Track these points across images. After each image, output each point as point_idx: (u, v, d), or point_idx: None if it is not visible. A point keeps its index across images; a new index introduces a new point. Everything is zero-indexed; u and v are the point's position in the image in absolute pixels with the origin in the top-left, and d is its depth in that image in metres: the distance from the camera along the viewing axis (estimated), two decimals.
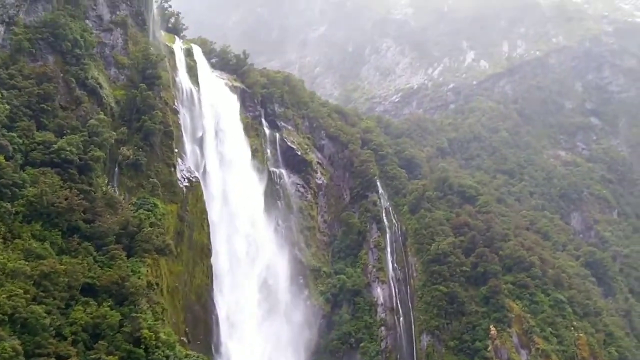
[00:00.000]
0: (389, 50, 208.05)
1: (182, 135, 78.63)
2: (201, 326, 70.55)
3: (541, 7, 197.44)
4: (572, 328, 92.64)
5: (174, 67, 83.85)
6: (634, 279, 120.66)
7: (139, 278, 54.54)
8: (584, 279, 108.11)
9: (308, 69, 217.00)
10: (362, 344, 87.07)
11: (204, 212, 75.69)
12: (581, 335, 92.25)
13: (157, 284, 60.82)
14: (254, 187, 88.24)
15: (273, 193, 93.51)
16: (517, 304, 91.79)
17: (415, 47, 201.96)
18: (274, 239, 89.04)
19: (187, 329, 67.10)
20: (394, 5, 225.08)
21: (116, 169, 67.17)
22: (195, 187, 75.60)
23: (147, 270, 59.96)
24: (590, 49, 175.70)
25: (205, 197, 77.05)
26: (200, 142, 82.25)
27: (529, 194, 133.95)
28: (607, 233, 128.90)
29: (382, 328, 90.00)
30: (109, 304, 50.25)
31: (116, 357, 46.68)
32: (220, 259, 76.40)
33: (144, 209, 64.06)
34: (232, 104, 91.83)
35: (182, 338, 64.65)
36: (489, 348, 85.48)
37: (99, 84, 68.24)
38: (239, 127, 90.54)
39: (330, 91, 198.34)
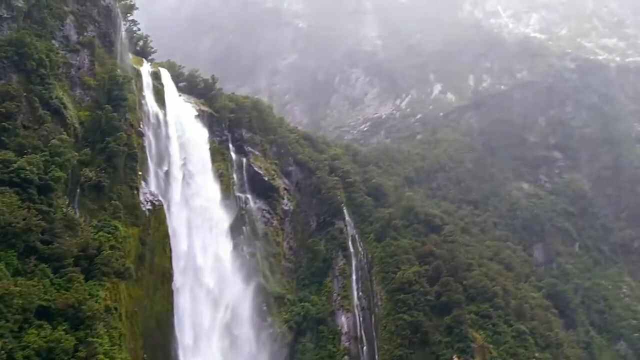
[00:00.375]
0: (358, 81, 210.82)
1: (146, 158, 77.62)
2: (160, 353, 68.84)
3: (506, 43, 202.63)
4: (534, 359, 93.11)
5: (141, 90, 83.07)
6: (594, 311, 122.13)
7: (96, 302, 53.08)
8: (546, 310, 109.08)
9: (278, 96, 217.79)
10: None
11: (166, 236, 74.50)
12: None
13: (115, 309, 59.23)
14: (218, 212, 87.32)
15: (238, 219, 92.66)
16: (480, 334, 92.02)
17: (384, 78, 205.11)
18: (237, 265, 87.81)
19: (145, 356, 65.44)
20: (363, 37, 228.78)
21: (78, 190, 65.71)
22: (158, 211, 74.44)
23: (106, 294, 58.45)
24: (554, 85, 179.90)
25: (168, 221, 75.97)
26: (165, 166, 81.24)
27: (493, 225, 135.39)
28: (569, 265, 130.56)
29: (346, 357, 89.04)
30: (64, 327, 48.67)
31: None
32: (181, 285, 74.95)
33: (105, 232, 62.69)
34: (199, 128, 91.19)
35: None
36: None
37: (63, 104, 67.08)
38: (206, 151, 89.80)
39: (300, 119, 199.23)
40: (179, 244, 76.59)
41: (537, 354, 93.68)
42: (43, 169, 57.91)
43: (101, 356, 48.06)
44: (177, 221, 78.35)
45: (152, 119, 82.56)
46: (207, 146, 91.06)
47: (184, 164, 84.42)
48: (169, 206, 77.94)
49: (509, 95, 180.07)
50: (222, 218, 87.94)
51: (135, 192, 72.16)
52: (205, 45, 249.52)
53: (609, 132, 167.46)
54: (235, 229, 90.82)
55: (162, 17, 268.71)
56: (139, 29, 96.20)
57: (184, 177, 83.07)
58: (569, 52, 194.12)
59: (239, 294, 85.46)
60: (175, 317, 72.59)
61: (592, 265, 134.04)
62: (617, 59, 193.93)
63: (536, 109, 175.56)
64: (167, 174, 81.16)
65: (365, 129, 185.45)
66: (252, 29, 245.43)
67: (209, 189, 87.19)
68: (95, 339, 49.30)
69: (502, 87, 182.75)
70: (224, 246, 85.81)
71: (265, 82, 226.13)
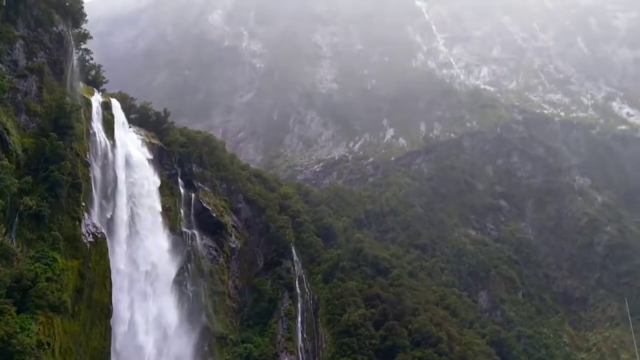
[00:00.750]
0: (313, 122, 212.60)
1: (91, 189, 75.54)
2: None
3: (457, 93, 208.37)
4: None
5: (90, 119, 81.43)
6: (536, 359, 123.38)
7: (28, 336, 50.53)
8: (489, 357, 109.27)
9: (232, 133, 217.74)
10: None
11: (107, 270, 72.05)
12: None
13: (48, 344, 56.49)
14: (163, 247, 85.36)
15: (184, 255, 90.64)
16: None
17: (338, 120, 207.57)
18: (180, 303, 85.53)
19: None
20: (319, 80, 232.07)
21: (16, 219, 63.19)
22: (100, 244, 72.07)
23: (39, 328, 55.89)
24: (501, 135, 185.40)
25: (110, 255, 73.69)
26: (110, 198, 79.31)
27: (440, 270, 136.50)
28: (512, 313, 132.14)
29: None
30: None
31: None
32: (120, 321, 72.42)
33: (42, 263, 60.27)
34: (148, 160, 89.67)
35: None
36: None
37: (6, 129, 64.86)
38: (153, 184, 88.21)
39: (253, 157, 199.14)
40: (120, 279, 74.09)
41: None
42: None
43: None
44: (119, 256, 76.07)
45: (100, 150, 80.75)
46: (156, 179, 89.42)
47: (131, 197, 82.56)
48: (112, 239, 75.73)
49: (459, 143, 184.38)
50: (167, 254, 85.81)
51: (77, 223, 69.80)
52: (160, 79, 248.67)
53: (553, 183, 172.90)
54: (180, 266, 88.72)
55: (119, 50, 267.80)
56: (91, 58, 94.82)
57: (129, 211, 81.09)
58: (517, 104, 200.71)
59: (180, 333, 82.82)
60: (112, 355, 69.79)
61: (535, 313, 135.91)
62: (562, 114, 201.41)
63: (484, 158, 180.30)
64: (113, 206, 79.13)
65: (318, 169, 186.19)
66: (210, 65, 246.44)
67: (154, 223, 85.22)
68: None
69: (453, 135, 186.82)
70: (167, 281, 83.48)
71: (220, 120, 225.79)
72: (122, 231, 78.79)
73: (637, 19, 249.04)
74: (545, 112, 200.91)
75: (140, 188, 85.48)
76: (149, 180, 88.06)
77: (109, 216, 77.86)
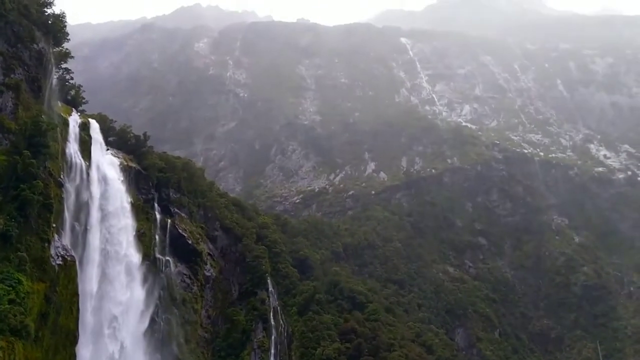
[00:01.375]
0: (294, 153, 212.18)
1: (63, 210, 73.45)
2: None
3: (439, 130, 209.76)
4: None
5: (66, 139, 79.69)
6: None
7: None
8: None
9: (213, 162, 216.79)
10: None
11: (75, 295, 69.50)
12: None
13: None
14: (135, 273, 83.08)
15: (156, 282, 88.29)
16: None
17: (319, 152, 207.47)
18: (150, 331, 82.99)
19: None
20: (302, 111, 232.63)
21: None
22: (69, 267, 69.70)
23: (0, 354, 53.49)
24: (481, 173, 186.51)
25: (79, 279, 71.38)
26: (82, 220, 77.24)
27: (417, 306, 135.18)
28: (489, 352, 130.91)
29: None
30: None
31: None
32: (86, 349, 69.79)
33: (6, 285, 57.95)
34: (123, 184, 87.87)
35: None
36: None
37: None
38: (127, 208, 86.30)
39: (233, 186, 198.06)
40: (88, 304, 71.69)
41: None
42: None
43: None
44: (89, 280, 73.74)
45: (74, 170, 78.82)
46: (130, 204, 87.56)
47: (104, 220, 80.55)
48: (81, 263, 73.47)
49: (439, 179, 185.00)
50: (138, 281, 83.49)
51: (46, 244, 67.52)
52: (143, 105, 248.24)
53: (531, 222, 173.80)
54: (151, 292, 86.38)
55: (103, 74, 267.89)
56: (72, 78, 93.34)
57: (101, 234, 79.01)
58: (497, 143, 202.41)
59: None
60: None
61: (511, 352, 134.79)
62: (541, 153, 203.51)
63: (464, 195, 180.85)
64: (84, 229, 77.06)
65: (298, 201, 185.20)
66: (193, 93, 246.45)
67: (126, 248, 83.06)
68: None
69: (433, 170, 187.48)
70: (137, 311, 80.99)
71: (201, 147, 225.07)
72: (93, 254, 76.46)
73: (614, 65, 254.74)
74: (525, 151, 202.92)
75: (115, 211, 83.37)
76: (123, 203, 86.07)
77: (80, 239, 75.61)
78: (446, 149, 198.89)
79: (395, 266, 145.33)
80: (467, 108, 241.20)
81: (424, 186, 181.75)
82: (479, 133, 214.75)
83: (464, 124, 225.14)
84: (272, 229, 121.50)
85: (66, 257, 69.94)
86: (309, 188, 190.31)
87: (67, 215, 74.50)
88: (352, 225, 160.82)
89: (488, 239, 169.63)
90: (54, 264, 67.41)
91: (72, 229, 74.96)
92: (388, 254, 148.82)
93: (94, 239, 77.53)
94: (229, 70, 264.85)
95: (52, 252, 68.11)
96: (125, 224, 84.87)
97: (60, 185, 74.32)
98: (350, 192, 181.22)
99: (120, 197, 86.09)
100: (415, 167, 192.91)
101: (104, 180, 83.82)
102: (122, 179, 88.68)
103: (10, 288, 57.64)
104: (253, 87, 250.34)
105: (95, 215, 79.16)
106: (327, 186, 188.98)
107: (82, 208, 78.00)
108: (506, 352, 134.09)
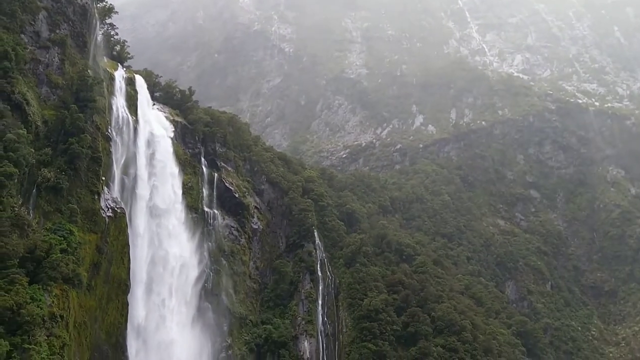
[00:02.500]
0: (340, 107, 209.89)
1: (112, 164, 74.86)
2: None
3: (489, 80, 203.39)
4: None
5: (112, 94, 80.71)
6: (563, 352, 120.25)
7: (38, 307, 49.77)
8: (514, 347, 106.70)
9: (259, 118, 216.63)
10: None
11: (125, 246, 71.38)
12: None
13: (62, 317, 55.84)
14: (183, 225, 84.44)
15: (204, 234, 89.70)
16: None
17: (366, 106, 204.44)
18: (200, 281, 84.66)
19: None
20: (348, 64, 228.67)
21: (34, 190, 62.85)
22: (119, 219, 71.45)
23: (53, 301, 55.29)
24: (533, 124, 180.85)
25: (129, 231, 72.99)
26: (131, 173, 78.50)
27: (466, 259, 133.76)
28: (540, 304, 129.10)
29: None
30: None
31: None
32: (137, 298, 71.65)
33: (58, 235, 59.62)
34: (170, 138, 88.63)
35: None
36: None
37: (25, 100, 64.42)
38: (174, 162, 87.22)
39: (280, 142, 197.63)
40: (139, 255, 73.33)
41: None
42: None
43: None
44: (138, 232, 75.27)
45: (122, 125, 79.94)
46: (176, 158, 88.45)
47: (152, 174, 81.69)
48: (131, 215, 74.99)
49: (490, 131, 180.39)
50: (187, 233, 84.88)
51: (96, 197, 69.24)
52: (190, 62, 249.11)
53: (585, 174, 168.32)
54: (200, 244, 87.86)
55: (149, 32, 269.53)
56: (116, 34, 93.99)
57: (150, 187, 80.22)
58: (550, 93, 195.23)
59: (198, 312, 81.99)
60: (129, 331, 69.16)
61: (563, 305, 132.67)
62: (596, 103, 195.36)
63: (515, 147, 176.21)
64: (133, 182, 78.37)
65: (344, 156, 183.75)
66: (239, 49, 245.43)
67: (175, 201, 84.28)
68: (31, 346, 46.02)
69: (483, 122, 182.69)
70: (186, 262, 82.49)
71: (248, 104, 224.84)
72: (142, 207, 77.89)
73: None
74: (580, 101, 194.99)
75: (162, 165, 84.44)
76: (171, 157, 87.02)
77: (129, 192, 76.99)
78: (497, 101, 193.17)
79: (444, 219, 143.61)
80: (518, 58, 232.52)
81: (473, 139, 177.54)
82: (531, 83, 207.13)
83: (515, 74, 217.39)
84: (318, 182, 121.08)
85: (116, 209, 71.61)
86: (355, 142, 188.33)
87: (116, 169, 75.93)
88: (399, 179, 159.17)
89: (540, 191, 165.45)
90: (104, 215, 69.08)
91: (121, 182, 76.44)
92: (436, 208, 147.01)
93: (143, 191, 78.82)
94: (273, 25, 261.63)
95: (102, 204, 69.75)
96: (172, 177, 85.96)
97: (108, 139, 75.63)
98: (398, 146, 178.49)
99: (167, 151, 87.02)
100: (465, 120, 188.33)
101: (150, 134, 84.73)
102: (168, 133, 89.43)
103: (62, 238, 59.28)
104: (298, 41, 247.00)
105: (143, 168, 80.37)
106: (374, 140, 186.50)
107: (130, 162, 79.36)
108: (558, 304, 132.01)
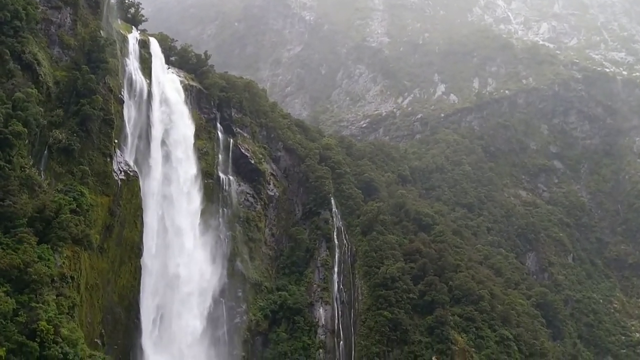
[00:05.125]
0: (361, 77, 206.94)
1: (124, 127, 74.12)
2: (121, 330, 65.39)
3: (514, 49, 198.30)
4: None
5: (125, 56, 79.57)
6: (583, 324, 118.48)
7: (47, 266, 49.37)
8: (534, 318, 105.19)
9: (279, 87, 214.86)
10: None
11: (138, 209, 71.00)
12: None
13: (72, 278, 55.61)
14: (197, 191, 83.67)
15: (220, 200, 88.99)
16: (462, 337, 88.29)
17: (387, 75, 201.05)
18: (214, 247, 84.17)
19: (103, 331, 61.90)
20: (370, 33, 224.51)
21: (45, 152, 62.34)
22: (132, 182, 70.88)
23: (64, 262, 55.02)
24: (559, 93, 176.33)
25: (142, 195, 72.39)
26: (144, 137, 77.66)
27: (486, 230, 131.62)
28: (561, 276, 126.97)
29: (321, 350, 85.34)
30: (5, 289, 44.98)
31: (4, 348, 41.42)
32: (150, 263, 71.26)
33: (68, 196, 59.09)
34: (185, 102, 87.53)
35: (95, 339, 59.80)
36: None
37: (36, 60, 63.59)
38: (190, 127, 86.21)
39: (300, 112, 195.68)
40: (151, 219, 72.78)
41: None
42: (3, 122, 54.24)
43: (43, 323, 44.37)
44: (151, 196, 74.63)
45: (135, 88, 78.92)
46: (191, 122, 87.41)
47: (166, 138, 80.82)
48: (144, 179, 74.31)
49: (513, 100, 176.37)
50: (200, 198, 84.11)
51: (108, 160, 68.67)
52: (210, 31, 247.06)
53: (611, 144, 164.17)
54: (215, 210, 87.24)
55: (169, 1, 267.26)
56: None
57: (163, 151, 79.41)
58: (576, 62, 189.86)
59: (213, 278, 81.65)
60: (141, 295, 68.97)
61: (585, 277, 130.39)
62: (624, 72, 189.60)
63: (539, 117, 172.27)
64: (147, 145, 77.57)
65: (364, 125, 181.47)
66: (259, 18, 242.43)
67: (188, 166, 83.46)
68: (39, 305, 45.64)
69: (507, 91, 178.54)
70: (199, 227, 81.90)
71: (268, 73, 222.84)
72: (155, 171, 77.14)
73: None
74: (607, 70, 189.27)
75: (177, 129, 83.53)
76: (186, 122, 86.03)
77: (142, 155, 76.25)
78: (521, 69, 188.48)
79: (464, 190, 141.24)
80: (544, 26, 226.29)
81: (496, 108, 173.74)
82: (557, 52, 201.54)
83: (540, 42, 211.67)
84: (335, 150, 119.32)
85: (129, 172, 71.06)
86: (376, 112, 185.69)
87: (129, 132, 75.15)
88: (419, 148, 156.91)
89: (564, 162, 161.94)
90: (116, 178, 68.59)
91: (134, 145, 75.65)
92: (457, 178, 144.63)
93: (156, 155, 78.02)
94: None
95: (115, 167, 69.23)
96: (187, 142, 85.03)
97: (121, 102, 74.79)
98: (419, 116, 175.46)
99: (181, 115, 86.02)
100: (488, 89, 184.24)
101: (165, 98, 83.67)
102: (183, 97, 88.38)
103: (72, 199, 58.73)
104: (318, 9, 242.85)
105: (157, 132, 79.49)
106: (395, 110, 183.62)
107: (143, 125, 78.36)
108: (579, 277, 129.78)
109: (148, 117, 79.00)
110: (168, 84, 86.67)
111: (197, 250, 79.76)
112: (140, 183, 72.51)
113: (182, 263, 75.22)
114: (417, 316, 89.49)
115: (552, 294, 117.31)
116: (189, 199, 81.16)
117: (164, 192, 77.21)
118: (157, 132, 79.59)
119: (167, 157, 79.70)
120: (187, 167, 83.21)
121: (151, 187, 75.24)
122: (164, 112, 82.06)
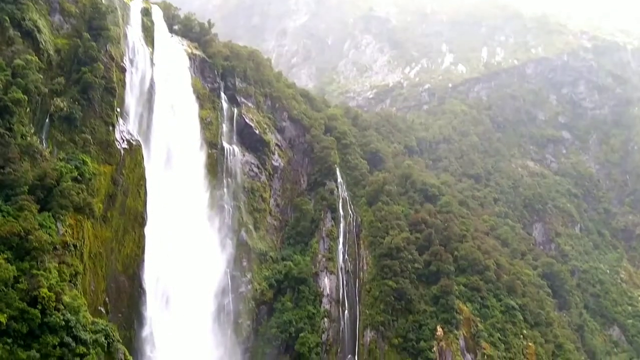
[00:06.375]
0: (368, 47, 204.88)
1: (127, 95, 73.34)
2: (125, 298, 65.32)
3: (523, 18, 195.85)
4: (522, 336, 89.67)
5: (127, 24, 78.54)
6: (590, 294, 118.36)
7: (48, 234, 49.20)
8: (540, 288, 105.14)
9: (285, 58, 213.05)
10: (301, 334, 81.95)
11: (142, 179, 70.41)
12: (530, 344, 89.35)
13: (75, 246, 55.49)
14: (200, 159, 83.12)
15: (224, 170, 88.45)
16: (467, 307, 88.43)
17: (394, 45, 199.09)
18: (219, 217, 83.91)
19: (107, 299, 61.98)
20: (377, 2, 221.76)
21: (47, 120, 61.83)
22: (135, 151, 70.29)
23: (66, 230, 54.86)
24: (568, 63, 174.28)
25: (145, 164, 71.91)
26: (147, 106, 76.90)
27: (493, 200, 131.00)
28: (568, 247, 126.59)
29: (325, 319, 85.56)
30: (6, 256, 44.87)
31: (5, 315, 41.46)
32: (154, 234, 70.90)
33: (70, 165, 58.73)
34: (188, 71, 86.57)
35: (99, 307, 59.92)
36: (434, 349, 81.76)
37: (37, 27, 62.72)
38: (192, 96, 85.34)
39: (306, 82, 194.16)
40: (153, 188, 72.30)
41: (525, 331, 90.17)
42: (3, 89, 53.69)
43: (44, 290, 44.31)
44: (154, 165, 74.08)
45: (138, 56, 77.93)
46: (195, 92, 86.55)
47: (168, 107, 79.93)
48: (147, 148, 73.75)
49: (522, 70, 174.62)
50: (203, 168, 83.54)
51: (111, 128, 68.03)
52: (216, 1, 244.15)
53: (620, 115, 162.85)
54: (219, 180, 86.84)
55: None
56: None
57: (166, 121, 78.59)
58: (586, 31, 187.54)
59: (217, 247, 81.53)
60: (145, 264, 68.86)
61: (592, 248, 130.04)
62: (635, 42, 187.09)
63: (548, 87, 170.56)
64: (149, 114, 76.83)
65: (371, 96, 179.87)
66: None
67: (192, 136, 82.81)
68: (40, 272, 45.54)
69: (516, 61, 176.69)
70: (203, 196, 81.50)
71: (274, 43, 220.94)
72: (158, 140, 76.43)
73: None
74: (617, 39, 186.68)
75: (180, 98, 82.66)
76: (189, 91, 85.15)
77: (145, 125, 75.62)
78: (530, 39, 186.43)
79: (472, 160, 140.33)
80: None
81: (505, 78, 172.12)
82: (567, 21, 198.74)
83: (550, 12, 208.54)
84: (341, 120, 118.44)
85: (131, 141, 70.49)
86: (383, 83, 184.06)
87: (132, 101, 74.43)
88: (427, 119, 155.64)
89: (572, 132, 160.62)
90: (119, 147, 68.08)
91: (137, 114, 74.94)
92: (464, 149, 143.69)
93: (159, 125, 77.23)
94: None
95: (117, 136, 68.64)
96: (190, 111, 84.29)
97: (123, 70, 73.97)
98: (426, 86, 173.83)
99: (185, 84, 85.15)
100: (496, 59, 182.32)
101: (168, 66, 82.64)
102: (186, 66, 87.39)
103: (74, 168, 58.35)
104: None
105: (159, 101, 78.53)
106: (402, 80, 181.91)
107: (146, 94, 77.53)
108: (586, 247, 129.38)
109: (151, 86, 78.05)
110: (171, 52, 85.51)
111: (202, 220, 79.39)
112: (144, 152, 71.93)
113: (186, 233, 74.68)
114: (422, 286, 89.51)
115: (559, 265, 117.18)
116: (192, 169, 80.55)
117: (167, 161, 76.55)
118: (160, 101, 78.63)
119: (170, 127, 78.82)
120: (191, 136, 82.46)
121: (155, 157, 74.58)
122: (166, 81, 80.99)
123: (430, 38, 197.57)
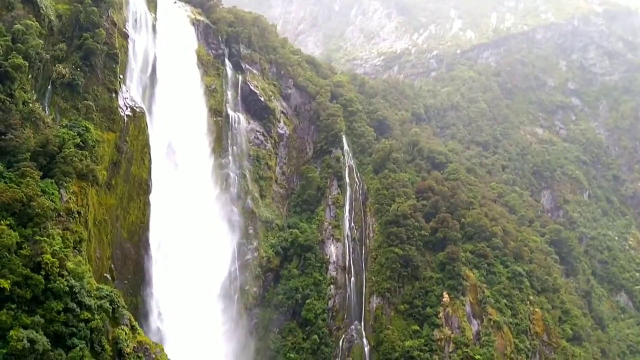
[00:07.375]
0: (375, 13, 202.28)
1: (129, 62, 72.55)
2: (130, 265, 65.55)
3: None
4: (528, 302, 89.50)
5: None
6: (597, 261, 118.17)
7: (51, 200, 48.98)
8: (547, 255, 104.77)
9: (292, 25, 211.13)
10: (308, 301, 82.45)
11: (145, 146, 70.10)
12: (536, 310, 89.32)
13: (79, 213, 55.27)
14: (204, 126, 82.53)
15: (229, 138, 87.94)
16: (473, 273, 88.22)
17: (402, 11, 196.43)
18: (222, 184, 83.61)
19: (112, 266, 62.14)
20: None
21: (49, 86, 61.27)
22: (138, 118, 69.75)
23: (70, 197, 54.61)
24: (578, 28, 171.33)
25: (149, 131, 71.44)
26: (150, 72, 76.12)
27: (501, 168, 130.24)
28: (576, 214, 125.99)
29: (332, 286, 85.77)
30: (9, 222, 44.74)
31: (8, 281, 41.48)
32: (158, 200, 70.74)
33: (73, 131, 58.24)
34: (192, 37, 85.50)
35: (105, 274, 60.04)
36: (440, 315, 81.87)
37: None
38: (196, 62, 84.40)
39: (313, 50, 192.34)
40: (157, 155, 71.96)
41: (531, 297, 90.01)
42: (3, 54, 53.05)
43: (48, 256, 44.20)
44: (158, 133, 73.58)
45: (140, 22, 76.91)
46: (199, 58, 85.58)
47: (172, 74, 79.09)
48: (151, 115, 73.22)
49: (531, 36, 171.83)
50: (208, 136, 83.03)
51: (114, 95, 67.35)
52: None
53: (631, 80, 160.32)
54: (224, 148, 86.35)
55: None
56: None
57: (170, 88, 77.84)
58: None
59: (222, 216, 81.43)
60: (151, 231, 68.89)
61: (600, 215, 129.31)
62: None
63: (558, 52, 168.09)
64: (153, 82, 76.12)
65: (379, 63, 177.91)
66: None
67: (197, 103, 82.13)
68: (43, 238, 45.42)
69: (525, 27, 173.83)
70: (207, 163, 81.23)
71: (280, 10, 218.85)
72: (163, 107, 75.84)
73: None
74: (629, 4, 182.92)
75: (184, 65, 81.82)
76: (192, 58, 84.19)
77: (149, 92, 74.96)
78: (540, 4, 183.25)
79: (480, 127, 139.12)
80: None
81: (514, 44, 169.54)
82: None
83: None
84: (347, 87, 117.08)
85: (135, 108, 69.90)
86: (390, 49, 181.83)
87: (135, 67, 73.66)
88: (434, 86, 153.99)
89: (582, 99, 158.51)
90: (122, 114, 67.51)
91: (140, 81, 74.26)
92: (472, 115, 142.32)
93: (163, 92, 76.56)
94: None
95: (120, 102, 68.01)
96: (194, 78, 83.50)
97: (126, 36, 73.02)
98: (434, 52, 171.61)
99: (188, 51, 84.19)
100: (506, 24, 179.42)
101: (171, 33, 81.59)
102: (190, 32, 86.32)
103: (77, 134, 57.87)
104: None
105: (163, 68, 77.71)
106: (410, 47, 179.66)
107: (149, 61, 76.72)
108: (595, 214, 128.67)
109: (154, 53, 77.16)
110: (174, 18, 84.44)
111: (207, 187, 79.19)
112: (147, 119, 71.41)
113: (192, 200, 74.47)
114: (428, 253, 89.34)
115: (567, 231, 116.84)
116: (197, 136, 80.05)
117: (171, 128, 76.00)
118: (163, 68, 77.81)
119: (174, 94, 78.10)
120: (195, 103, 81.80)
121: (158, 125, 74.02)
122: (170, 47, 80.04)
123: (439, 3, 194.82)
